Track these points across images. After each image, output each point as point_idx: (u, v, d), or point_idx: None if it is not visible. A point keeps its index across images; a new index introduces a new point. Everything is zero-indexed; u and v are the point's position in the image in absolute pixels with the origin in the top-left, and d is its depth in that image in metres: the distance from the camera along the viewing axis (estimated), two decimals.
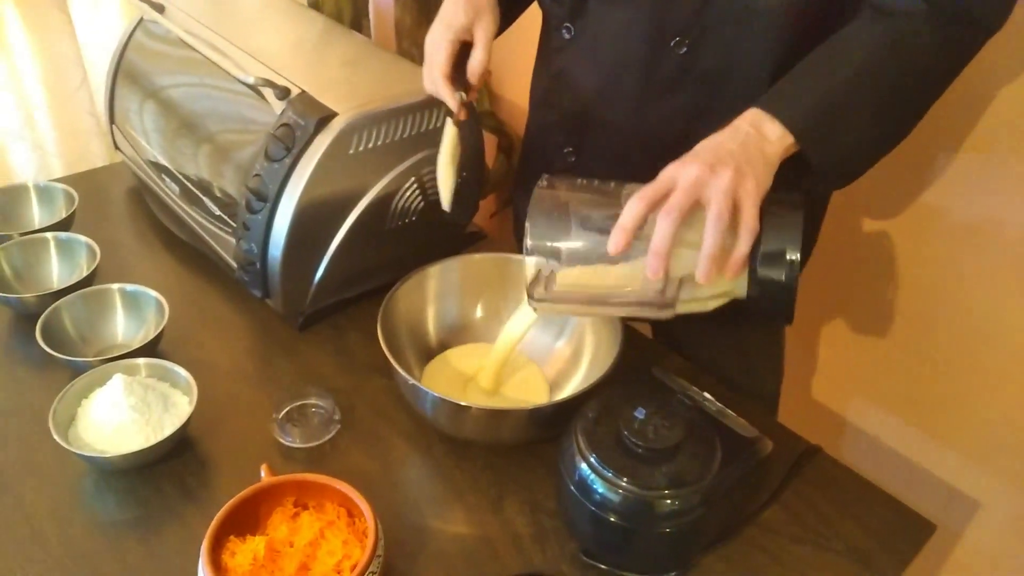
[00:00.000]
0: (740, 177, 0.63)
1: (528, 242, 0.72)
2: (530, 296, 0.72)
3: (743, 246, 0.64)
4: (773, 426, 0.87)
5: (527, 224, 0.73)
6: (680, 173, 0.64)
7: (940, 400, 1.13)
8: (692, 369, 0.93)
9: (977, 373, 1.08)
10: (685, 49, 0.77)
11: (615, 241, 0.65)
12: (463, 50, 0.83)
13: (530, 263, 0.73)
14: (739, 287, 0.68)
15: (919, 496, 0.83)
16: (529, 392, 0.89)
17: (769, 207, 0.65)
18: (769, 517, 0.77)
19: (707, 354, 0.95)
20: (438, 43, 0.82)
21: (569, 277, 0.71)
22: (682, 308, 0.70)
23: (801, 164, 0.68)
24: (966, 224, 1.01)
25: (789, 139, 0.66)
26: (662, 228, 0.63)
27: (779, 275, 0.65)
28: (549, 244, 0.72)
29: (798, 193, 0.68)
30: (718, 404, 0.76)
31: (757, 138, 0.66)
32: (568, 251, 0.72)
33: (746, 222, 0.63)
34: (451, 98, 0.82)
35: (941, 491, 1.16)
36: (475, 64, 0.83)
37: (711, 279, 0.64)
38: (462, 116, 0.83)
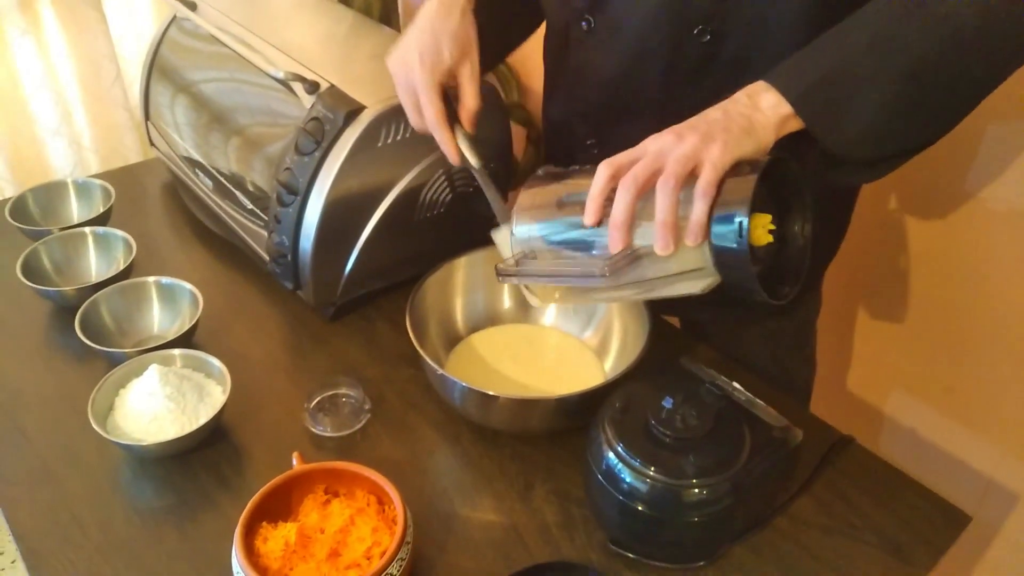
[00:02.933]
0: (705, 142, 0.61)
1: (513, 229, 0.73)
2: (497, 271, 0.73)
3: (696, 212, 0.60)
4: (805, 417, 0.86)
5: (513, 212, 0.73)
6: (650, 142, 0.64)
7: (978, 391, 1.11)
8: (721, 359, 0.93)
9: (1016, 363, 1.06)
10: (709, 36, 0.75)
11: (588, 212, 0.65)
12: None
13: (508, 242, 0.74)
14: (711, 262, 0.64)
15: (956, 488, 0.82)
16: (586, 377, 0.89)
17: (736, 171, 0.62)
18: (800, 508, 0.77)
19: (736, 346, 0.94)
20: (425, 90, 0.78)
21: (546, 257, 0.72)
22: (664, 290, 0.67)
23: (827, 154, 0.65)
24: (1005, 211, 0.99)
25: (785, 108, 0.63)
26: (619, 198, 0.62)
27: (730, 241, 0.60)
28: (533, 227, 0.72)
29: (786, 162, 0.64)
30: (747, 394, 0.75)
31: (747, 106, 0.63)
32: (549, 231, 0.71)
33: (698, 186, 0.60)
34: (450, 144, 0.79)
35: (979, 483, 1.15)
36: (470, 108, 0.80)
37: (668, 249, 0.62)
38: (456, 161, 0.81)
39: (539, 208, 0.73)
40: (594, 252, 0.68)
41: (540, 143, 1.63)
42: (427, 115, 0.78)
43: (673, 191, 0.60)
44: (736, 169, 0.62)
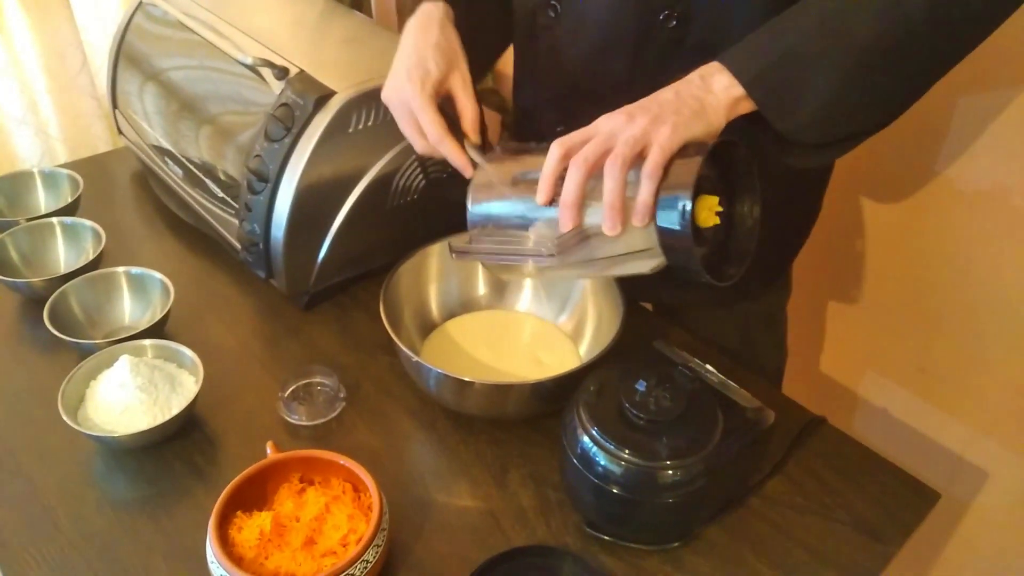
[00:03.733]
0: (655, 124, 0.61)
1: (469, 207, 0.73)
2: (450, 247, 0.73)
3: (642, 193, 0.61)
4: (777, 398, 0.87)
5: (468, 191, 0.73)
6: (602, 122, 0.64)
7: (948, 370, 1.13)
8: (694, 343, 0.93)
9: (985, 342, 1.07)
10: (675, 22, 0.75)
11: (540, 191, 0.65)
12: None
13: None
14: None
15: (927, 467, 0.83)
16: (561, 361, 0.89)
17: (683, 154, 0.62)
18: (773, 488, 0.78)
19: (708, 329, 0.95)
20: (421, 106, 0.74)
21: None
22: (608, 269, 0.68)
23: (779, 137, 0.66)
24: (972, 192, 1.01)
25: (737, 90, 0.63)
26: (569, 179, 0.63)
27: (674, 223, 0.61)
28: (489, 203, 0.72)
29: (734, 145, 0.64)
30: (720, 376, 0.76)
31: (700, 87, 0.64)
32: (502, 210, 0.71)
33: (645, 167, 0.61)
34: (460, 156, 0.75)
35: (949, 461, 1.17)
36: (471, 116, 0.77)
37: (616, 229, 0.63)
38: (470, 174, 0.75)
39: (494, 186, 0.73)
40: (542, 229, 0.69)
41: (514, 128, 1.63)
42: (429, 131, 0.75)
43: (621, 172, 0.61)
44: (684, 151, 0.63)
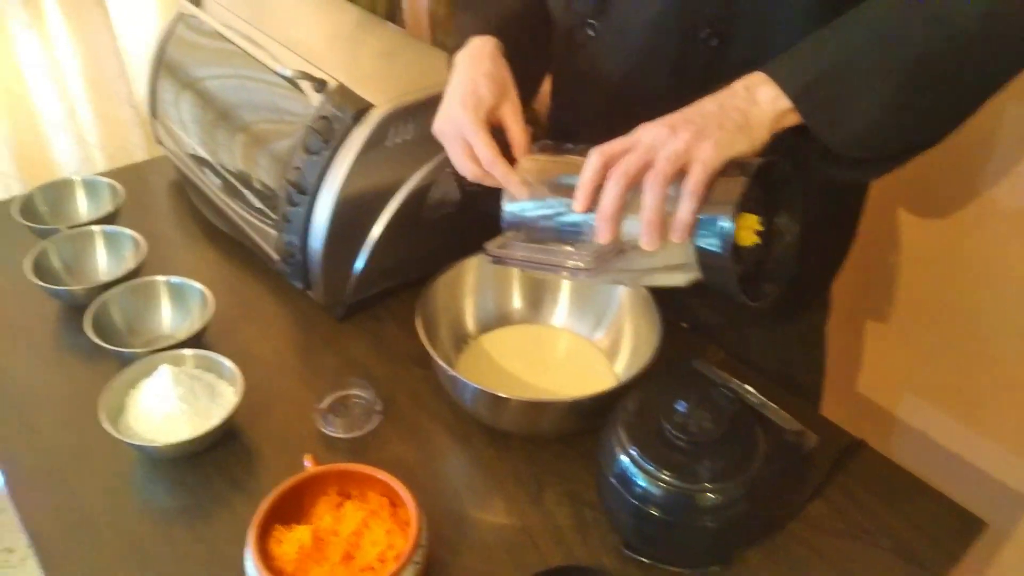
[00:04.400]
0: (697, 139, 0.60)
1: (504, 209, 0.72)
2: (485, 250, 0.73)
3: (682, 211, 0.60)
4: (816, 420, 0.86)
5: (503, 193, 0.73)
6: (643, 132, 0.63)
7: (989, 394, 1.11)
8: (732, 362, 0.92)
9: None
10: (716, 41, 0.74)
11: (577, 199, 0.65)
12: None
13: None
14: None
15: (966, 492, 0.81)
16: (596, 380, 0.89)
17: (727, 171, 0.61)
18: (813, 512, 0.77)
19: (746, 348, 0.94)
20: (473, 129, 0.73)
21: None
22: (643, 279, 0.69)
23: (825, 150, 0.64)
24: (1016, 212, 0.99)
25: (783, 103, 0.62)
26: (608, 191, 0.62)
27: (714, 245, 0.60)
28: (524, 207, 0.72)
29: (778, 163, 0.63)
30: (760, 397, 0.75)
31: (744, 100, 0.63)
32: (538, 213, 0.71)
33: (687, 186, 0.60)
34: (512, 177, 0.73)
35: (989, 486, 1.14)
36: (522, 143, 0.76)
37: (654, 245, 0.62)
38: (525, 196, 0.73)
39: (530, 188, 0.72)
40: (582, 237, 0.68)
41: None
42: (482, 154, 0.73)
43: (661, 188, 0.61)
44: (727, 168, 0.62)
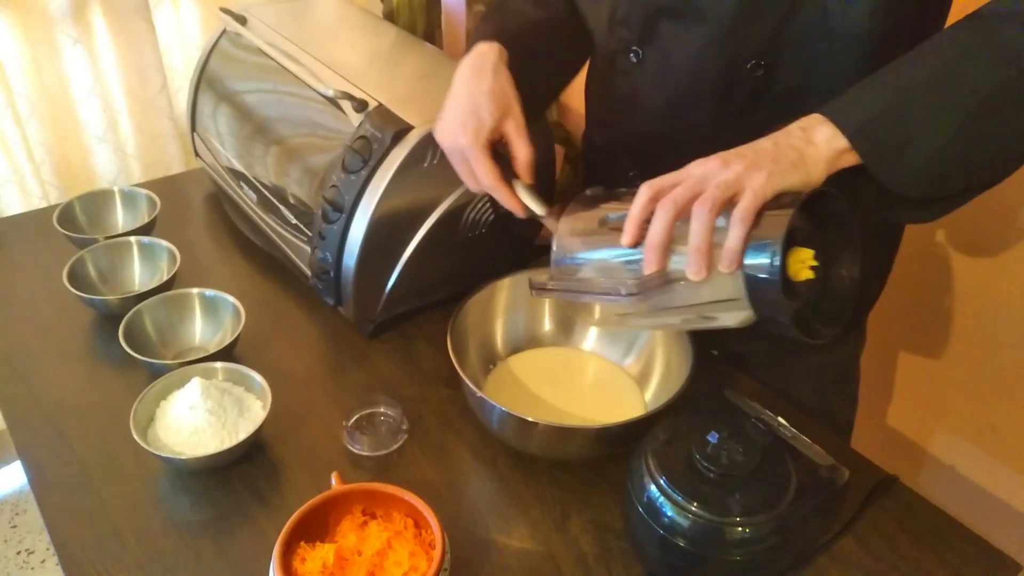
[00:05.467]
0: (750, 171, 0.60)
1: (553, 245, 0.73)
2: (531, 284, 0.73)
3: (731, 238, 0.59)
4: (847, 453, 0.85)
5: (556, 229, 0.73)
6: (694, 166, 0.63)
7: (1022, 429, 1.09)
8: (764, 393, 0.91)
9: None
10: (762, 71, 0.74)
11: (626, 232, 0.64)
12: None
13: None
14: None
15: (996, 529, 0.80)
16: (625, 407, 0.88)
17: (779, 202, 0.60)
18: (842, 547, 0.75)
19: (779, 379, 0.92)
20: (475, 156, 0.76)
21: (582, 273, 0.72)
22: (692, 319, 0.67)
23: (883, 192, 0.64)
24: None
25: (840, 142, 0.61)
26: (656, 220, 0.61)
27: (763, 271, 0.59)
28: (572, 247, 0.72)
29: (835, 198, 0.62)
30: (792, 430, 0.74)
31: (800, 139, 0.62)
32: (586, 250, 0.71)
33: (736, 212, 0.59)
34: (513, 201, 0.77)
35: (1021, 525, 1.12)
36: (525, 160, 0.78)
37: (700, 274, 0.60)
38: (523, 215, 0.78)
39: (579, 227, 0.72)
40: (626, 272, 0.67)
41: (578, 163, 1.63)
42: (482, 180, 0.77)
43: (709, 215, 0.60)
44: (778, 200, 0.61)
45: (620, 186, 0.89)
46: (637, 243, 0.65)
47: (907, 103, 0.62)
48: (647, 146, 0.86)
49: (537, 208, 0.77)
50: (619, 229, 0.67)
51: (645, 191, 0.64)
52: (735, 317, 0.65)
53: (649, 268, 0.63)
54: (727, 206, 0.60)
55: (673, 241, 0.63)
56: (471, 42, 0.84)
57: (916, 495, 0.81)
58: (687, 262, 0.61)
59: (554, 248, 0.73)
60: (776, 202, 0.61)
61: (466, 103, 0.77)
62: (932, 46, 0.63)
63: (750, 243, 0.60)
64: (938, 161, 0.62)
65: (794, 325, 0.61)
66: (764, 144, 0.63)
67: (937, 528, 0.78)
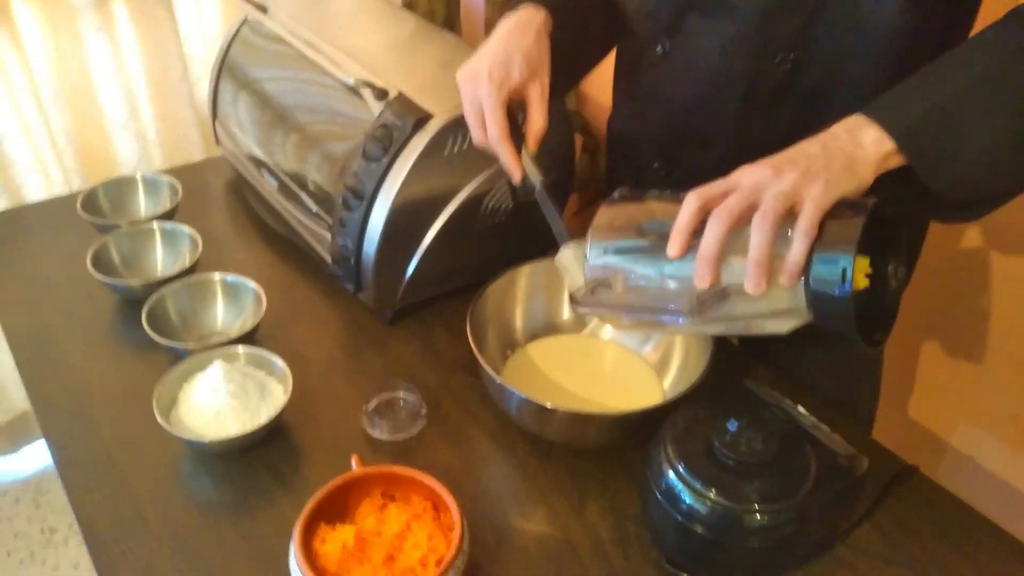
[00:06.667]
0: (806, 180, 0.58)
1: (588, 255, 0.70)
2: (573, 301, 0.71)
3: (795, 252, 0.58)
4: (867, 443, 0.85)
5: (588, 234, 0.70)
6: (744, 174, 0.61)
7: None
8: (783, 382, 0.91)
9: None
10: (790, 65, 0.73)
11: (673, 242, 0.62)
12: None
13: (574, 264, 0.72)
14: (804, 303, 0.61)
15: (1016, 521, 0.79)
16: (643, 394, 0.88)
17: (837, 212, 0.59)
18: (861, 537, 0.75)
19: (800, 369, 0.92)
20: (491, 104, 0.75)
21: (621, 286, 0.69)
22: (742, 327, 0.64)
23: (926, 193, 0.62)
24: None
25: (888, 145, 0.60)
26: (710, 231, 0.60)
27: (831, 287, 0.57)
28: (609, 252, 0.69)
29: (886, 204, 0.61)
30: (812, 419, 0.74)
31: (848, 142, 0.61)
32: (627, 260, 0.68)
33: (800, 225, 0.58)
34: (513, 160, 0.76)
35: None
36: (537, 129, 0.77)
37: (759, 288, 0.59)
38: (517, 179, 0.77)
39: (617, 233, 0.69)
40: (673, 285, 0.65)
41: (597, 153, 1.63)
42: (491, 131, 0.76)
43: (771, 228, 0.58)
44: (836, 209, 0.59)
45: (643, 175, 0.88)
46: (683, 254, 0.63)
47: (955, 104, 0.61)
48: (672, 138, 0.85)
49: (534, 176, 0.77)
50: (660, 238, 0.64)
51: (694, 200, 0.62)
52: (786, 325, 0.63)
53: (703, 281, 0.61)
54: (786, 217, 0.59)
55: (724, 253, 0.61)
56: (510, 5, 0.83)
57: (936, 486, 0.81)
58: (747, 275, 0.59)
59: (588, 255, 0.70)
60: (833, 211, 0.59)
61: (499, 52, 0.76)
62: (977, 44, 0.62)
63: (815, 255, 0.58)
64: (986, 163, 0.61)
65: (860, 335, 0.60)
66: (812, 149, 0.61)
67: (957, 519, 0.78)
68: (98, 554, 0.73)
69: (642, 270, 0.67)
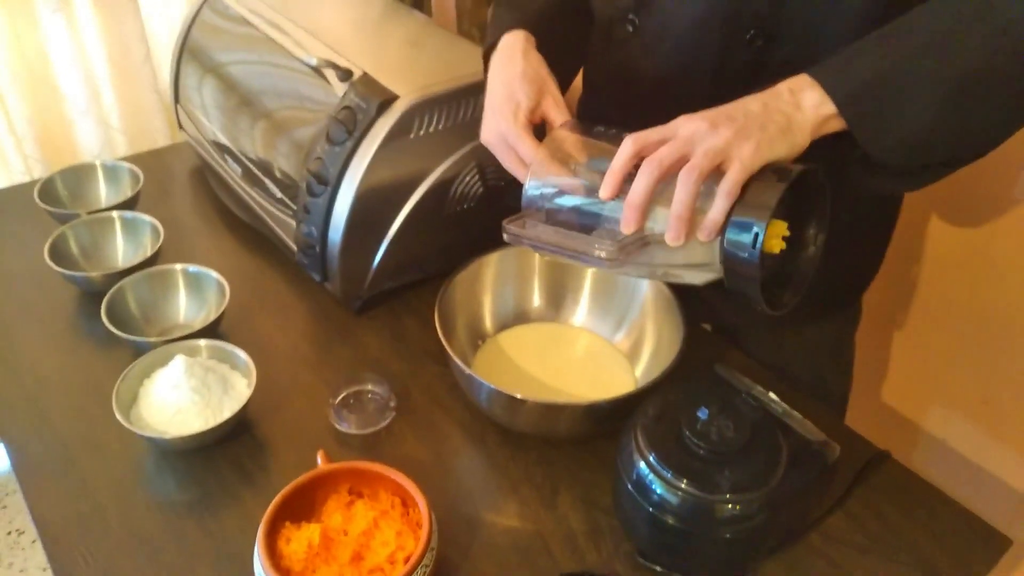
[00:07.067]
0: (738, 139, 0.59)
1: (527, 181, 0.70)
2: (504, 229, 0.70)
3: (714, 210, 0.59)
4: (840, 429, 0.84)
5: (529, 168, 0.70)
6: (681, 124, 0.61)
7: (1018, 407, 1.08)
8: (755, 367, 0.90)
9: None
10: (761, 42, 0.72)
11: (605, 185, 0.63)
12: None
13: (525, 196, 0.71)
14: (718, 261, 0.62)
15: (992, 507, 0.79)
16: (615, 383, 0.87)
17: (763, 175, 0.60)
18: (833, 524, 0.75)
19: (772, 353, 0.92)
20: (516, 136, 0.72)
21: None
22: (660, 274, 0.67)
23: (866, 159, 0.62)
24: None
25: (828, 107, 0.60)
26: (639, 179, 0.60)
27: (742, 249, 0.59)
28: (547, 185, 0.70)
29: (814, 171, 0.61)
30: (784, 405, 0.73)
31: (788, 103, 0.61)
32: (560, 194, 0.69)
33: (723, 185, 0.58)
34: (566, 177, 0.71)
35: (1012, 500, 1.12)
36: None
37: (678, 240, 0.60)
38: (583, 193, 0.72)
39: (555, 168, 0.70)
40: (603, 224, 0.66)
41: None
42: (528, 157, 0.72)
43: (695, 184, 0.59)
44: (763, 172, 0.60)
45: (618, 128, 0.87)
46: (615, 197, 0.64)
47: (898, 71, 0.60)
48: (642, 116, 0.84)
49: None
50: (595, 177, 0.65)
51: (629, 145, 0.63)
52: (701, 278, 0.65)
53: (628, 227, 0.62)
54: (713, 173, 0.59)
55: (652, 201, 0.62)
56: (488, 31, 0.82)
57: (908, 471, 0.80)
58: (668, 227, 0.60)
59: (526, 187, 0.71)
60: (760, 173, 0.60)
61: (501, 91, 0.75)
62: (925, 13, 0.62)
63: (733, 216, 0.59)
64: (926, 131, 0.61)
65: (762, 298, 0.61)
66: (753, 106, 0.61)
67: (928, 504, 0.77)
68: (57, 557, 0.71)
69: (572, 207, 0.68)
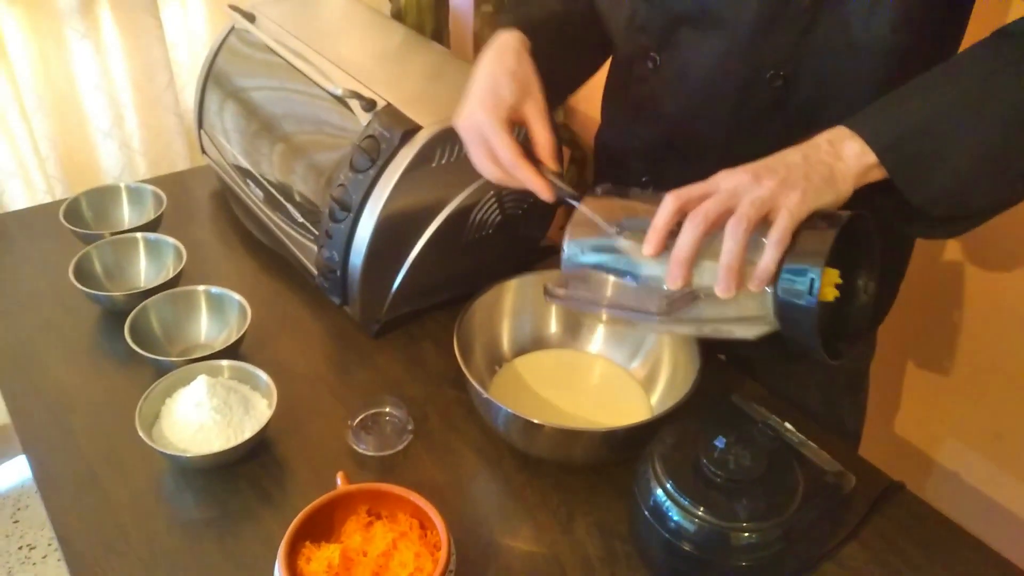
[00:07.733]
0: (783, 188, 0.58)
1: (565, 250, 0.69)
2: (547, 291, 0.70)
3: (766, 259, 0.58)
4: (854, 460, 0.84)
5: (566, 231, 0.69)
6: (723, 179, 0.61)
7: None
8: (770, 398, 0.91)
9: None
10: (781, 82, 0.73)
11: (649, 241, 0.62)
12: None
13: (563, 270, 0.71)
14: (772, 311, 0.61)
15: (1006, 540, 0.79)
16: (631, 410, 0.88)
17: (811, 223, 0.59)
18: (848, 555, 0.75)
19: (787, 385, 0.92)
20: (494, 130, 0.72)
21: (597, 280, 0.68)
22: (709, 330, 0.65)
23: (906, 207, 0.63)
24: None
25: (869, 158, 0.60)
26: (685, 233, 0.60)
27: (798, 297, 0.58)
28: (586, 246, 0.69)
29: (862, 218, 0.61)
30: (799, 436, 0.74)
31: (829, 153, 0.61)
32: (602, 256, 0.68)
33: (772, 234, 0.58)
34: (537, 179, 0.72)
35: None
36: (546, 143, 0.74)
37: (729, 292, 0.59)
38: (551, 197, 0.73)
39: (595, 229, 0.69)
40: (646, 284, 0.66)
41: (585, 165, 1.63)
42: (502, 156, 0.72)
43: (744, 234, 0.58)
44: (810, 220, 0.60)
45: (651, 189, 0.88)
46: (659, 253, 0.63)
47: (938, 120, 0.61)
48: (660, 151, 0.85)
49: (566, 191, 0.72)
50: (636, 235, 0.65)
51: (672, 201, 0.62)
52: (753, 331, 0.64)
53: (674, 283, 0.61)
54: (761, 224, 0.59)
55: (699, 256, 0.61)
56: (494, 32, 0.82)
57: (923, 503, 0.81)
58: (717, 279, 0.60)
59: (565, 249, 0.70)
60: (808, 222, 0.59)
61: (485, 83, 0.74)
62: (962, 62, 0.63)
63: (785, 265, 0.59)
64: (967, 180, 0.61)
65: (822, 347, 0.60)
66: (794, 158, 0.61)
67: (943, 536, 0.78)
68: (78, 573, 0.72)
69: (615, 266, 0.67)
